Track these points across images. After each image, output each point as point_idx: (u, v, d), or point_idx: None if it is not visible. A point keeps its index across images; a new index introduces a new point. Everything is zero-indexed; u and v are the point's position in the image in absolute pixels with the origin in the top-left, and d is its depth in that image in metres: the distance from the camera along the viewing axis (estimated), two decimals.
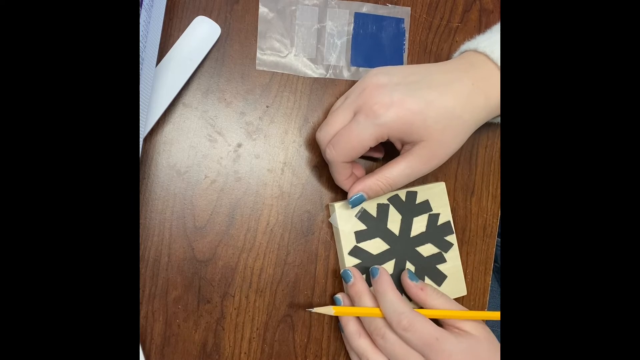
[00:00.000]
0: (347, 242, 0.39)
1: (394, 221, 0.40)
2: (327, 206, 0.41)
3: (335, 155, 0.35)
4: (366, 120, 0.33)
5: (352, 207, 0.37)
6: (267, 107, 0.40)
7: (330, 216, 0.40)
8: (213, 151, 0.39)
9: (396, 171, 0.35)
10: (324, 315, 0.40)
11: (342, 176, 0.37)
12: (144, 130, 0.35)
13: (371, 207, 0.39)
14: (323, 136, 0.36)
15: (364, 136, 0.34)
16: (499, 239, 0.52)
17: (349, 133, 0.34)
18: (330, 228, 0.41)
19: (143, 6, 0.34)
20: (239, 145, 0.40)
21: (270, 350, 0.39)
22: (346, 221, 0.39)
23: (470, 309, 0.43)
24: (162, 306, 0.38)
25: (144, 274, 0.38)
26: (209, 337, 0.39)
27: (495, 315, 0.37)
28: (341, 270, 0.39)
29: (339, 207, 0.39)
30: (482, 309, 0.44)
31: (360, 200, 0.36)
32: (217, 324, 0.39)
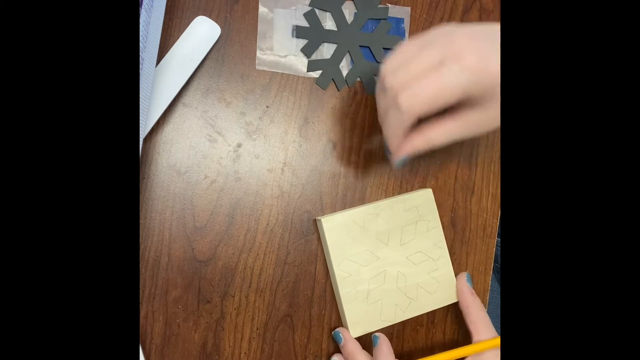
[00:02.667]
0: (336, 255, 0.39)
1: (383, 232, 0.40)
2: (314, 221, 0.40)
3: (414, 103, 0.30)
4: (461, 73, 0.30)
5: (403, 164, 0.35)
6: (267, 107, 0.40)
7: (319, 232, 0.40)
8: (213, 151, 0.39)
9: (442, 134, 0.33)
10: (324, 315, 0.40)
11: (403, 132, 0.32)
12: (144, 130, 0.35)
13: (359, 218, 0.39)
14: (399, 79, 0.31)
15: (454, 92, 0.30)
16: (499, 239, 0.52)
17: (437, 80, 0.30)
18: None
19: (143, 6, 0.34)
20: (239, 145, 0.40)
21: (270, 350, 0.39)
22: (334, 234, 0.39)
23: None
24: (162, 306, 0.38)
25: (144, 274, 0.38)
26: (209, 337, 0.39)
27: (496, 342, 0.37)
28: (333, 332, 0.40)
29: (325, 221, 0.39)
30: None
31: (404, 162, 0.34)
32: (217, 324, 0.39)
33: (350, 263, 0.39)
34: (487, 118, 0.32)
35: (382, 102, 0.34)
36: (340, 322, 0.40)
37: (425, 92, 0.30)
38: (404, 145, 0.34)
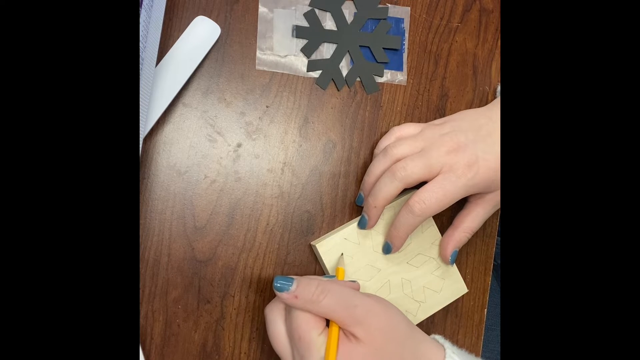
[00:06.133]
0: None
1: (378, 243, 0.40)
2: (310, 246, 0.40)
3: (425, 208, 0.36)
4: (459, 180, 0.36)
5: (452, 264, 0.40)
6: (267, 107, 0.40)
7: (316, 255, 0.40)
8: (213, 151, 0.39)
9: (476, 221, 0.39)
10: None
11: (411, 231, 0.37)
12: (144, 130, 0.35)
13: (352, 235, 0.39)
14: (400, 151, 0.38)
15: (457, 195, 0.36)
16: (499, 238, 0.52)
17: (442, 190, 0.36)
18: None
19: (143, 6, 0.34)
20: (239, 145, 0.40)
21: (270, 350, 0.39)
22: (331, 256, 0.38)
23: (470, 308, 0.43)
24: (162, 306, 0.38)
25: (144, 274, 0.38)
26: (209, 337, 0.39)
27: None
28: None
29: (320, 245, 0.38)
30: (482, 309, 0.44)
31: (455, 256, 0.40)
32: (217, 324, 0.39)
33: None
34: (499, 195, 0.38)
35: (380, 163, 0.38)
36: None
37: (432, 200, 0.36)
38: (450, 244, 0.39)
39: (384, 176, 0.37)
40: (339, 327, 0.31)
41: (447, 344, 0.33)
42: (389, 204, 0.38)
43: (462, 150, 0.36)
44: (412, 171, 0.36)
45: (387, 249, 0.39)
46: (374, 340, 0.31)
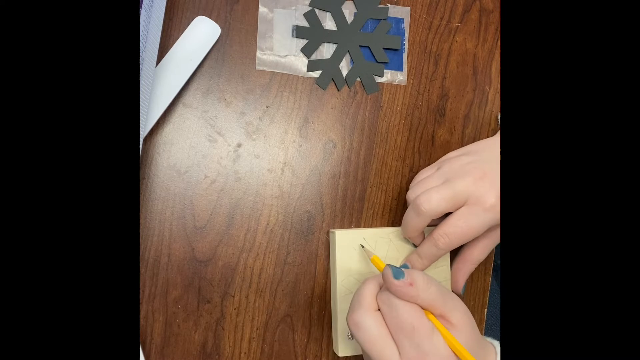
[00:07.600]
0: (341, 271, 0.39)
1: (392, 258, 0.40)
2: (328, 232, 0.40)
3: (449, 243, 0.36)
4: (486, 215, 0.35)
5: (465, 289, 0.41)
6: (267, 107, 0.40)
7: (330, 243, 0.40)
8: (213, 151, 0.39)
9: (485, 252, 0.39)
10: (324, 315, 0.40)
11: (436, 260, 0.38)
12: (144, 130, 0.35)
13: (371, 238, 0.39)
14: (427, 211, 0.37)
15: (482, 229, 0.36)
16: None
17: (467, 225, 0.36)
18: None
19: (143, 6, 0.34)
20: (239, 145, 0.40)
21: (270, 350, 0.39)
22: (344, 249, 0.39)
23: (470, 308, 0.43)
24: (162, 306, 0.38)
25: (144, 274, 0.38)
26: (209, 337, 0.39)
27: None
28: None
29: (339, 234, 0.39)
30: (482, 309, 0.44)
31: (465, 285, 0.41)
32: (217, 324, 0.39)
33: (354, 281, 0.39)
34: None
35: (410, 213, 0.38)
36: None
37: (457, 235, 0.36)
38: (460, 276, 0.40)
39: (409, 209, 0.37)
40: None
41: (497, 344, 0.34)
42: (419, 233, 0.38)
43: (489, 179, 0.36)
44: (437, 204, 0.36)
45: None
46: (466, 325, 0.31)
